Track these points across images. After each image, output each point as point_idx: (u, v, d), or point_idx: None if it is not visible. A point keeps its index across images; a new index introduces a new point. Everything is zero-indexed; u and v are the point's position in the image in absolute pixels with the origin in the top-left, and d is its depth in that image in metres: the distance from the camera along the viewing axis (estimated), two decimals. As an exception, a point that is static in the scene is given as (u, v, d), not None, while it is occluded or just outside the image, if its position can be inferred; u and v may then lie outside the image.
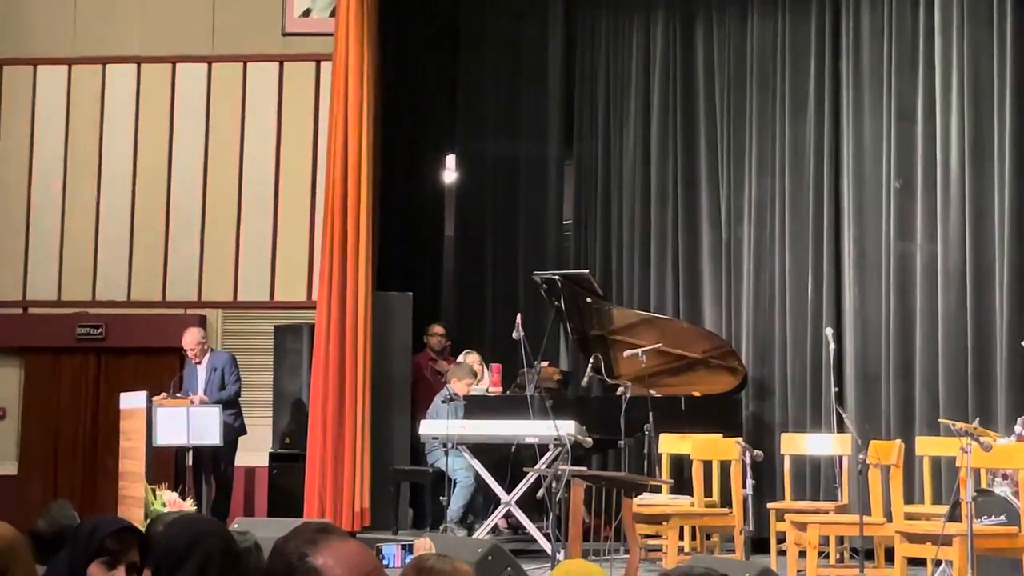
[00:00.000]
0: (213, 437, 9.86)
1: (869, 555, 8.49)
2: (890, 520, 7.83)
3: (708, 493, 8.93)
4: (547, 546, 8.74)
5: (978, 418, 8.39)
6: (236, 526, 7.27)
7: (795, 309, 10.64)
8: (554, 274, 10.30)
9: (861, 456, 7.79)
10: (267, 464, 10.89)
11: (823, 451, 9.57)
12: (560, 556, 7.95)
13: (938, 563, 7.47)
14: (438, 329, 11.22)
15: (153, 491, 9.30)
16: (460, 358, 10.53)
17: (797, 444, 9.41)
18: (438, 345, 11.19)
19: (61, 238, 11.87)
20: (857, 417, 9.92)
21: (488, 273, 11.81)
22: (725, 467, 8.79)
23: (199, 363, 10.44)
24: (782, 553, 8.52)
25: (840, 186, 10.67)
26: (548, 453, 9.03)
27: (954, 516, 7.27)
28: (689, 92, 11.26)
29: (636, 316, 10.45)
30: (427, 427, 9.65)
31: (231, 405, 10.27)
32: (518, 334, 9.21)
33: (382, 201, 10.82)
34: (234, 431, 10.28)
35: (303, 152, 11.70)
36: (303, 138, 11.70)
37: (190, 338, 10.44)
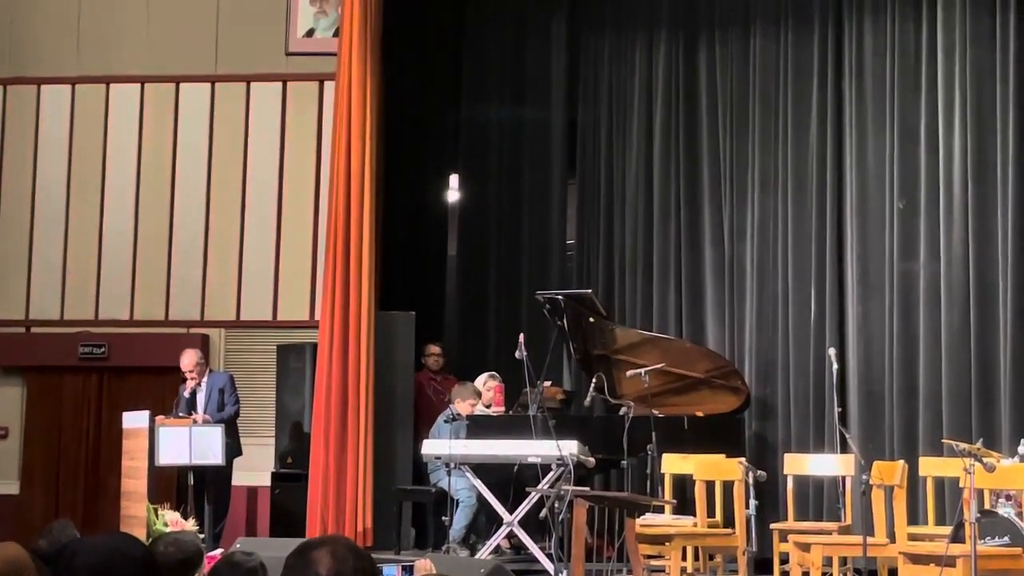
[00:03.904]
0: (216, 457, 9.85)
1: (872, 576, 8.47)
2: (893, 541, 7.81)
3: (711, 513, 8.91)
4: (550, 566, 8.72)
5: (982, 438, 8.37)
6: (239, 546, 7.26)
7: (798, 328, 10.63)
8: (557, 294, 10.29)
9: (864, 476, 7.76)
10: (269, 484, 10.87)
11: (826, 471, 9.54)
12: (563, 577, 7.94)
13: (942, 584, 7.45)
14: (435, 349, 11.20)
15: (155, 511, 9.28)
16: (480, 380, 10.46)
17: (800, 464, 9.39)
18: (435, 365, 11.17)
19: (64, 257, 11.87)
20: (860, 437, 9.91)
21: (491, 292, 11.80)
22: (728, 487, 8.77)
23: (198, 385, 10.40)
24: (785, 574, 8.51)
25: (843, 206, 10.67)
26: (551, 473, 9.01)
27: (958, 537, 7.24)
28: (692, 111, 11.27)
29: (639, 336, 10.44)
30: (429, 447, 9.64)
31: (228, 426, 10.23)
32: (521, 353, 9.20)
33: (385, 220, 10.83)
34: (230, 452, 10.24)
35: (306, 171, 11.69)
36: (306, 157, 11.70)
37: (188, 360, 10.40)
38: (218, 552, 8.40)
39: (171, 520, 9.17)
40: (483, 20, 12.08)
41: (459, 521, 9.70)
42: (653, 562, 8.94)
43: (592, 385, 9.66)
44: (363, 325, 10.09)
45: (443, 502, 9.79)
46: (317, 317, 10.68)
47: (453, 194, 12.38)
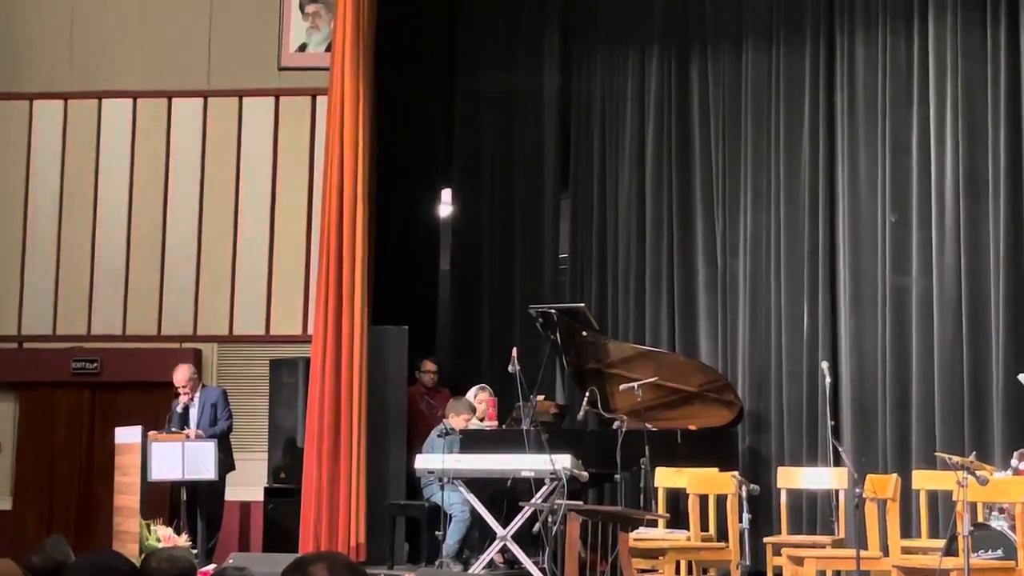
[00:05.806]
0: (208, 472, 9.83)
1: (866, 589, 8.46)
2: (887, 554, 7.81)
3: (704, 527, 8.91)
4: (543, 581, 8.70)
5: (974, 452, 8.37)
6: (232, 561, 7.24)
7: (791, 342, 10.63)
8: (550, 307, 10.29)
9: (857, 490, 7.76)
10: (262, 499, 10.85)
11: (819, 485, 9.55)
12: (556, 591, 7.92)
13: (935, 597, 7.44)
14: (430, 366, 11.16)
15: (148, 526, 9.26)
16: (471, 394, 10.44)
17: (793, 478, 9.39)
18: (431, 382, 11.14)
19: (56, 272, 11.86)
20: (853, 451, 9.90)
21: (484, 307, 11.80)
22: (721, 501, 8.76)
23: (191, 400, 10.37)
24: (779, 587, 8.50)
25: (835, 220, 10.68)
26: (544, 487, 9.00)
27: (951, 550, 7.24)
28: (684, 126, 11.29)
29: (632, 349, 10.44)
30: (423, 461, 9.62)
31: (221, 441, 10.21)
32: (514, 368, 9.20)
33: (377, 235, 10.83)
34: (223, 467, 10.22)
35: (299, 186, 11.70)
36: (299, 172, 11.71)
37: (181, 375, 10.38)
38: (211, 568, 8.38)
39: (164, 536, 9.16)
40: (476, 35, 12.10)
41: (452, 536, 9.69)
42: (647, 576, 8.94)
43: (585, 399, 9.66)
44: (356, 339, 10.08)
45: (436, 517, 9.77)
46: (310, 332, 10.67)
47: (446, 208, 12.38)
